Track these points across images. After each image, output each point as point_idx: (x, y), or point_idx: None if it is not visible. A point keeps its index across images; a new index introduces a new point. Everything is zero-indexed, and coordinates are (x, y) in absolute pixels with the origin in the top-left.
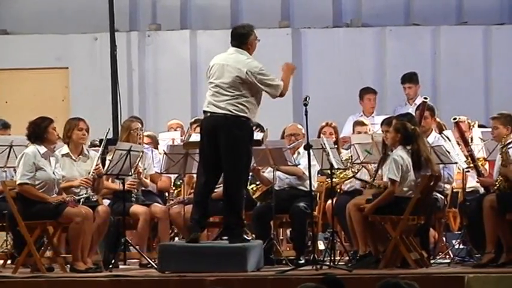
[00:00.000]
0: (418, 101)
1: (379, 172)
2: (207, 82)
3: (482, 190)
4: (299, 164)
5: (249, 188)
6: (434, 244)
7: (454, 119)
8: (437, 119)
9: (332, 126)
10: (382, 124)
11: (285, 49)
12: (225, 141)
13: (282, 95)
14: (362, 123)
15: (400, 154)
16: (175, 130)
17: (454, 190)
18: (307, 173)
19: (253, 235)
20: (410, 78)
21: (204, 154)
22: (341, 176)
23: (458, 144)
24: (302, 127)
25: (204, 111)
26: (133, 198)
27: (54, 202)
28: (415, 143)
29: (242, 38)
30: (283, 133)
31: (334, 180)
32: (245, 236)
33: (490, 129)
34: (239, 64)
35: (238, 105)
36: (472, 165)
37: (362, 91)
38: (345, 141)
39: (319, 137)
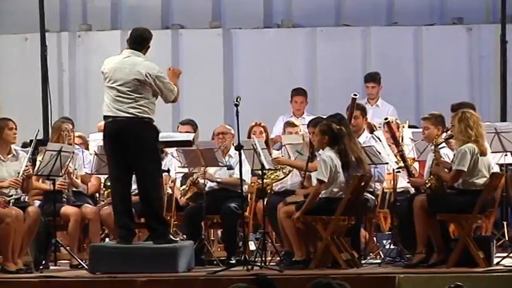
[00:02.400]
0: (380, 102)
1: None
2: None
3: (412, 190)
4: (230, 165)
5: (181, 189)
6: (365, 244)
7: (386, 119)
8: (368, 119)
9: (261, 125)
10: (308, 125)
11: (216, 49)
12: (133, 145)
13: (175, 100)
14: (293, 124)
15: (329, 155)
16: None
17: (385, 190)
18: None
19: (184, 236)
20: (373, 78)
21: (113, 160)
22: (272, 177)
23: (389, 144)
24: (231, 127)
25: (106, 116)
26: (64, 199)
27: None
28: (342, 143)
29: (144, 41)
30: (213, 134)
31: (265, 181)
32: (171, 236)
33: (420, 130)
34: (137, 66)
35: (141, 108)
36: (402, 165)
37: (291, 92)
38: (274, 142)
39: (249, 137)
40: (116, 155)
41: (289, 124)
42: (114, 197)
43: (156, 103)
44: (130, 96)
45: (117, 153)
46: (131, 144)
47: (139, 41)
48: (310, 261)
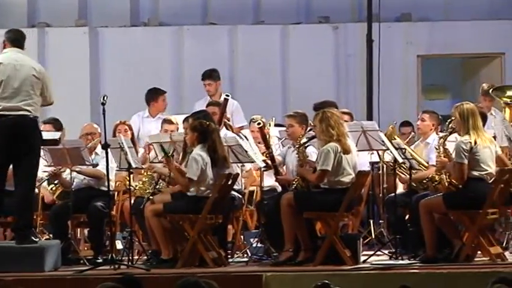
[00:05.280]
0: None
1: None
2: None
3: (279, 189)
4: (97, 164)
5: (49, 187)
6: (232, 243)
7: (259, 124)
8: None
9: (126, 124)
10: (183, 123)
11: (82, 48)
12: (26, 143)
13: (52, 103)
14: (170, 121)
15: (200, 153)
16: None
17: (251, 188)
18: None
19: (50, 235)
20: (209, 75)
21: None
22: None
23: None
24: (98, 126)
25: None
26: None
27: None
28: (210, 139)
29: (23, 40)
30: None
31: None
32: (32, 238)
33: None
34: (31, 63)
35: (34, 105)
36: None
37: (155, 93)
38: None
39: (114, 135)
40: (3, 154)
41: (166, 121)
42: None
43: (41, 102)
44: (25, 94)
45: (4, 151)
46: (24, 142)
47: (21, 39)
48: (178, 260)
